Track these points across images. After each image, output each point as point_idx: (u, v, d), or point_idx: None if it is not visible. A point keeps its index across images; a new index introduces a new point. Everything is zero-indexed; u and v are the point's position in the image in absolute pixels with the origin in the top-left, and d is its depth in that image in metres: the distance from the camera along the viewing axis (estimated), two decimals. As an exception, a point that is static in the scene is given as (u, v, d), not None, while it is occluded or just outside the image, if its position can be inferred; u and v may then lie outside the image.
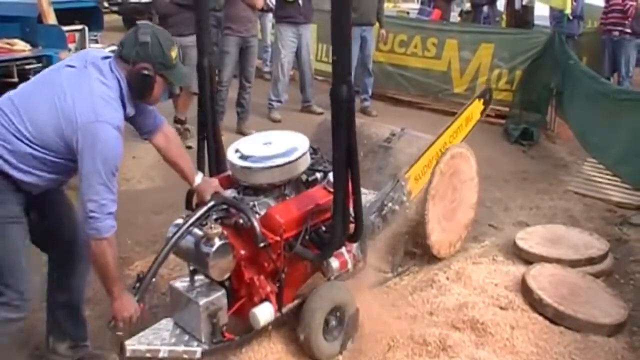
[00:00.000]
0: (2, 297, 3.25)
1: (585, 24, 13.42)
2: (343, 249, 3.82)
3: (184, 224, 3.54)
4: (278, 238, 3.58)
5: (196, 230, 3.58)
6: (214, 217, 3.63)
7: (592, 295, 4.52)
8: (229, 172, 4.01)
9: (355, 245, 3.95)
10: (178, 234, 3.50)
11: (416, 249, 5.01)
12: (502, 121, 9.67)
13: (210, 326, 3.55)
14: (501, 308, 4.40)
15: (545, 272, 4.71)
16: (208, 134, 4.23)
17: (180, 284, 3.72)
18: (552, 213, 6.33)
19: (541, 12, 13.22)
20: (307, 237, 3.69)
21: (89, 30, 7.03)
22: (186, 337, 3.59)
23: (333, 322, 3.86)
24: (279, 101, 9.85)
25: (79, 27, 6.96)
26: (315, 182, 3.99)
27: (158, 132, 3.63)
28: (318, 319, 3.76)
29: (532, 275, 4.63)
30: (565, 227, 5.72)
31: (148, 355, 3.47)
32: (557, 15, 11.41)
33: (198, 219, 3.58)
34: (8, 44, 6.29)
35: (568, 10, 9.91)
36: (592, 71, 8.39)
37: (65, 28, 6.66)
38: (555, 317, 4.29)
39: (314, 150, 4.10)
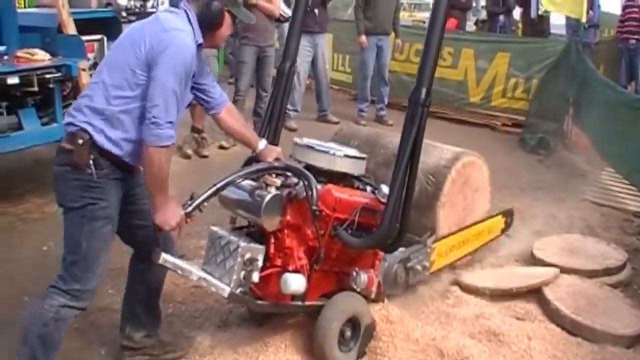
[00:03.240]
0: (66, 285, 3.37)
1: (602, 33, 13.40)
2: (372, 271, 3.92)
3: (243, 169, 3.68)
4: (329, 212, 3.67)
5: (249, 183, 3.73)
6: None
7: (610, 306, 4.49)
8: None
9: (380, 277, 4.06)
10: (239, 173, 3.62)
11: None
12: (518, 130, 9.68)
13: (243, 273, 3.56)
14: (518, 319, 4.38)
15: (562, 283, 4.69)
16: (270, 129, 4.28)
17: (222, 230, 3.80)
18: (569, 223, 6.29)
19: (557, 20, 13.22)
20: (349, 230, 3.74)
21: (108, 40, 7.07)
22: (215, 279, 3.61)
23: (348, 333, 3.86)
24: (295, 110, 9.85)
25: (98, 37, 7.01)
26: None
27: (223, 106, 3.80)
28: (334, 329, 3.76)
29: (549, 286, 4.61)
30: (583, 237, 5.70)
31: (179, 272, 3.52)
32: (573, 24, 11.41)
33: (258, 171, 3.71)
34: (29, 53, 6.34)
35: (584, 19, 9.89)
36: (609, 80, 8.36)
37: (84, 38, 6.70)
38: (572, 328, 4.26)
39: (364, 175, 4.18)
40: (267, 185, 3.66)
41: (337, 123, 9.65)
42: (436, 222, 4.80)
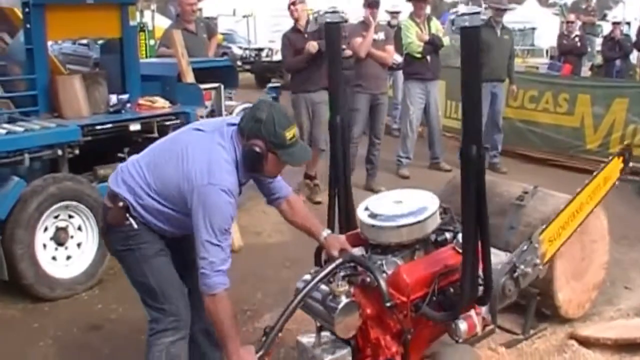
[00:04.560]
0: (160, 324, 3.50)
1: None
2: (472, 312, 3.72)
3: (312, 280, 3.56)
4: (405, 299, 3.53)
5: (324, 287, 3.59)
6: (342, 274, 3.60)
7: None
8: (359, 230, 4.01)
9: (484, 307, 3.85)
10: (305, 290, 3.52)
11: (546, 310, 4.88)
12: (638, 178, 9.36)
13: None
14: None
15: (688, 338, 4.50)
16: (339, 191, 4.24)
17: (307, 339, 3.74)
18: (694, 274, 6.03)
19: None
20: (434, 298, 3.59)
21: (224, 88, 7.25)
22: None
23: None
24: (408, 157, 9.90)
25: (215, 85, 7.20)
26: (444, 242, 3.88)
27: (283, 201, 3.78)
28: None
29: (673, 342, 4.43)
30: None
31: None
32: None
33: (326, 275, 3.58)
34: (150, 101, 6.61)
35: None
36: None
37: (202, 86, 6.93)
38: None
39: (444, 210, 4.01)
40: (334, 296, 3.52)
41: (449, 171, 9.58)
42: (553, 273, 4.67)
